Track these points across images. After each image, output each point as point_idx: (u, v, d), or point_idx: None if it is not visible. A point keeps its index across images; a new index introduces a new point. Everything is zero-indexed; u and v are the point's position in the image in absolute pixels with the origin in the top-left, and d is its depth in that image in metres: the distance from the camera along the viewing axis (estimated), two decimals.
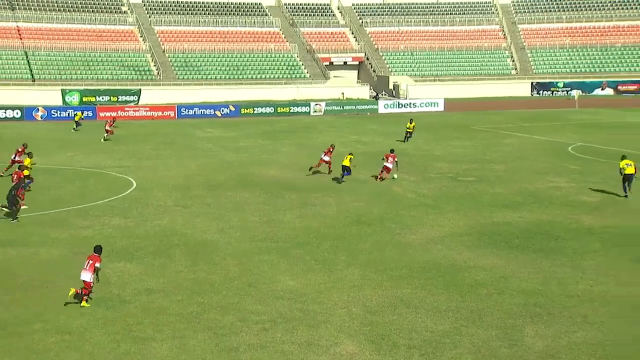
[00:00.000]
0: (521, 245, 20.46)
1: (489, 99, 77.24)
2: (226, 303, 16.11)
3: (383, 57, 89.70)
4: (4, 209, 23.69)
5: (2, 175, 31.40)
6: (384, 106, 68.44)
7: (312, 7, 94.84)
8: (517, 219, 23.60)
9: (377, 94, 79.09)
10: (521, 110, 65.32)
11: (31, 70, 72.56)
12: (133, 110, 63.40)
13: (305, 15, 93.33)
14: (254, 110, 65.20)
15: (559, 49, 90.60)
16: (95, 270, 16.12)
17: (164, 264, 18.97)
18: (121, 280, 17.67)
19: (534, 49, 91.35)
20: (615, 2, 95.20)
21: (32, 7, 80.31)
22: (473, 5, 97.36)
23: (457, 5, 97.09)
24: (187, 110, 63.79)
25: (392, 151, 31.96)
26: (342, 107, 67.82)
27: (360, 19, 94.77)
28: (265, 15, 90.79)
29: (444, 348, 13.60)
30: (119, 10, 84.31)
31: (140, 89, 70.57)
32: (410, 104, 69.25)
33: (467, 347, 13.62)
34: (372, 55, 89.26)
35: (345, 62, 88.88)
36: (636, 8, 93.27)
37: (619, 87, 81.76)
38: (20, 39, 76.22)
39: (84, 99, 67.92)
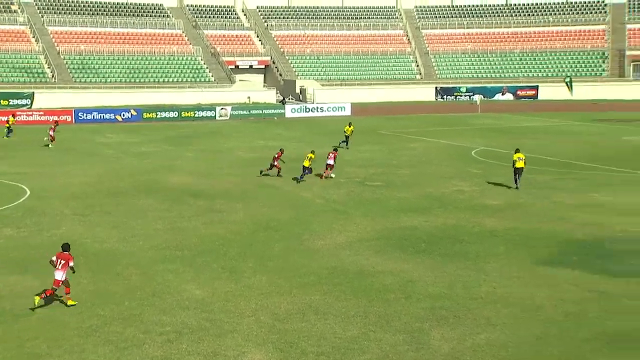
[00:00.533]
0: (427, 250, 20.68)
1: (395, 103, 78.55)
2: (128, 314, 15.49)
3: (289, 61, 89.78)
4: None
5: None
6: (291, 110, 68.43)
7: (216, 9, 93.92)
8: (424, 223, 23.88)
9: (284, 98, 79.03)
10: (426, 114, 66.70)
11: None
12: (26, 115, 60.59)
13: (209, 17, 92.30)
14: (156, 115, 63.74)
15: (461, 55, 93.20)
16: (69, 269, 16.14)
17: None
18: (14, 294, 16.72)
19: (438, 54, 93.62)
20: (513, 9, 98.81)
21: None
22: (377, 10, 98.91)
23: (361, 10, 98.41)
24: (85, 115, 61.59)
25: (335, 149, 34.07)
26: (249, 112, 67.35)
27: (265, 22, 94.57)
28: (167, 16, 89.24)
29: (352, 354, 13.50)
30: (8, 10, 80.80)
31: (33, 93, 67.75)
32: (317, 108, 69.50)
33: (375, 353, 13.57)
34: (279, 59, 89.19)
35: (251, 66, 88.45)
36: (533, 15, 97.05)
37: (518, 93, 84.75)
38: None
39: None
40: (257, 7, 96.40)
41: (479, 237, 21.98)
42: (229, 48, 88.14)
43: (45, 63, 75.68)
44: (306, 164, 31.42)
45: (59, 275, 16.05)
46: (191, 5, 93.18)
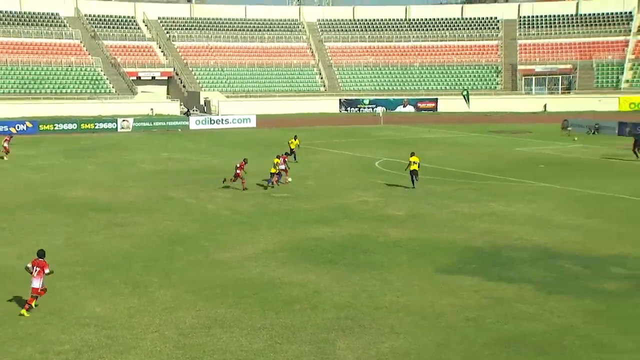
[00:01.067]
0: (333, 260, 20.89)
1: (299, 115, 79.07)
2: (24, 334, 14.90)
3: (193, 73, 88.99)
4: None
5: None
6: (196, 122, 67.76)
7: (115, 19, 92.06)
8: (329, 233, 24.11)
9: (188, 110, 78.17)
10: (331, 126, 67.45)
11: None
12: None
13: (108, 27, 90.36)
14: (54, 127, 61.72)
15: (363, 67, 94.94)
16: (45, 276, 16.20)
17: None
18: None
19: (341, 66, 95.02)
20: (412, 24, 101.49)
21: None
22: (281, 22, 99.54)
23: (265, 22, 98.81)
24: None
25: (286, 154, 35.39)
26: (152, 124, 66.21)
27: (167, 32, 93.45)
28: (64, 26, 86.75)
29: None
30: None
31: None
32: (222, 120, 69.12)
33: None
34: (182, 70, 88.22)
35: (153, 77, 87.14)
36: (431, 30, 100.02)
37: (419, 105, 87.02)
38: None
39: None
40: (159, 18, 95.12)
41: (383, 247, 22.38)
42: (130, 59, 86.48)
43: None
44: (272, 170, 32.84)
45: (36, 283, 16.12)
46: (89, 15, 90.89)
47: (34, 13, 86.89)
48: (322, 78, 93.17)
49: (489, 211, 27.59)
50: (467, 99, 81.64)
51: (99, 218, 26.24)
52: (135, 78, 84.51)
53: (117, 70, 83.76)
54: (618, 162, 41.44)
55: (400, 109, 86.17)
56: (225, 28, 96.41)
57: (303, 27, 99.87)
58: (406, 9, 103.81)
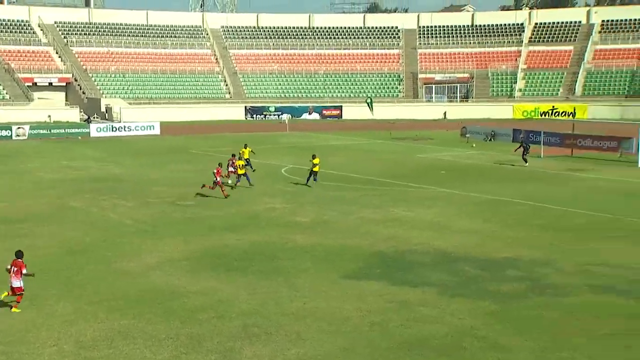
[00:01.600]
0: (240, 267, 20.83)
1: (205, 122, 78.35)
2: None
3: (93, 79, 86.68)
4: None
5: None
6: (97, 129, 66.00)
7: (9, 23, 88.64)
8: (236, 241, 24.02)
9: (88, 117, 76.02)
10: (237, 133, 67.08)
11: None
12: None
13: (1, 32, 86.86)
14: None
15: (268, 75, 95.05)
16: (23, 276, 16.75)
17: None
18: None
19: (246, 73, 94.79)
20: (315, 32, 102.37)
21: None
22: (184, 29, 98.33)
23: (167, 28, 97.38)
24: None
25: (233, 155, 36.03)
26: (50, 131, 64.02)
27: (64, 37, 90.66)
28: None
29: None
30: None
31: None
32: (124, 127, 67.56)
33: None
34: (81, 76, 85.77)
35: (50, 83, 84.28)
36: (334, 38, 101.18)
37: (324, 112, 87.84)
38: None
39: None
40: (55, 23, 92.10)
41: (291, 253, 22.48)
42: (25, 64, 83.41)
43: None
44: (240, 171, 34.74)
45: (17, 283, 16.73)
46: None
47: None
48: (227, 85, 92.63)
49: (393, 217, 28.17)
50: (370, 107, 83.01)
51: None
52: (31, 84, 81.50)
53: (12, 76, 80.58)
54: (511, 168, 43.15)
55: (305, 116, 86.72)
56: (127, 34, 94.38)
57: (207, 34, 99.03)
58: (309, 17, 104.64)
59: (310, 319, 16.51)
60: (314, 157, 35.07)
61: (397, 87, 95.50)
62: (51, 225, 26.12)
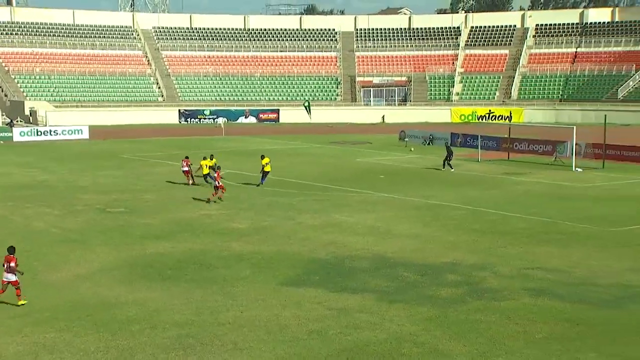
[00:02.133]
0: (174, 276, 20.19)
1: (136, 126, 76.74)
2: None
3: (16, 80, 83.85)
4: None
5: None
6: (20, 134, 63.87)
7: None
8: (170, 249, 23.33)
9: (11, 121, 73.42)
10: (170, 137, 65.94)
11: None
12: None
13: None
14: None
15: (203, 77, 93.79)
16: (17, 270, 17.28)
17: None
18: None
19: (179, 76, 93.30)
20: (251, 34, 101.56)
21: None
22: (113, 29, 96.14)
23: (96, 29, 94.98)
24: None
25: (187, 157, 37.05)
26: None
27: None
28: None
29: None
30: None
31: None
32: (50, 131, 65.56)
33: None
34: (3, 77, 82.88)
35: None
36: (270, 40, 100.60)
37: (261, 116, 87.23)
38: None
39: None
40: None
41: (227, 261, 21.94)
42: None
43: None
44: (205, 171, 35.37)
45: (12, 277, 17.23)
46: None
47: None
48: (159, 88, 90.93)
49: (332, 222, 27.87)
50: (308, 110, 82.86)
51: None
52: None
53: None
54: (450, 172, 43.36)
55: (242, 119, 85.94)
56: (52, 34, 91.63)
57: (137, 35, 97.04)
58: (244, 18, 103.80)
59: (248, 328, 16.03)
60: (262, 157, 35.99)
61: (335, 91, 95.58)
62: None
